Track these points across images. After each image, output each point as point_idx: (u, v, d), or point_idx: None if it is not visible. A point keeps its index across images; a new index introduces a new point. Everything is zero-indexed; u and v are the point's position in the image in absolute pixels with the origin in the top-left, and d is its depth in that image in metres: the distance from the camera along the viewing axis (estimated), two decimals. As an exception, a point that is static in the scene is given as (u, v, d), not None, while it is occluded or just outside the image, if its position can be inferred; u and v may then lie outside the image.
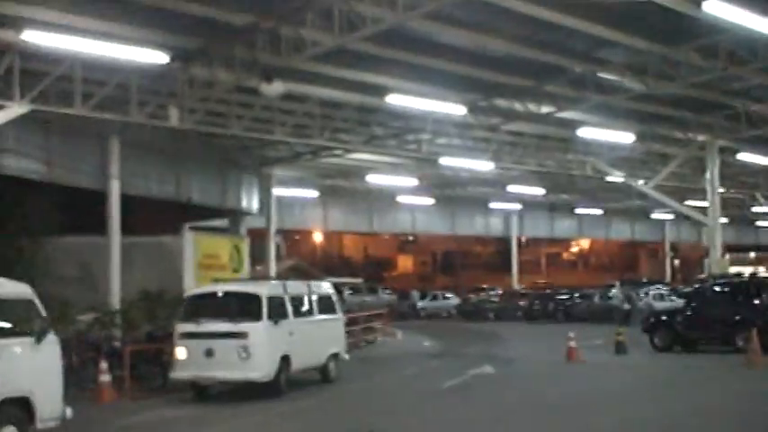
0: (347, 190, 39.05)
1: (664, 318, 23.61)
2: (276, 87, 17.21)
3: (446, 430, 11.78)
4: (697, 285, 27.19)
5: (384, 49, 16.86)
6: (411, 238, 76.58)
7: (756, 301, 21.53)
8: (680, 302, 28.07)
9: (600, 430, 11.36)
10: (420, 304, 48.72)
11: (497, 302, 45.99)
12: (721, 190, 36.06)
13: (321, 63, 17.36)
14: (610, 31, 16.21)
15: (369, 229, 48.07)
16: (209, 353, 14.42)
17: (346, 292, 39.43)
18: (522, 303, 43.31)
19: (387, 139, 26.07)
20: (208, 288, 17.04)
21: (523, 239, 67.22)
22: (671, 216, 50.29)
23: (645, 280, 50.88)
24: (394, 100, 19.05)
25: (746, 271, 67.31)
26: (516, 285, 52.27)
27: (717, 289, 23.54)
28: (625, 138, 24.33)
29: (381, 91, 19.18)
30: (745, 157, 29.06)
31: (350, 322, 26.06)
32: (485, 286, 56.07)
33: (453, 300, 49.45)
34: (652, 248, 71.50)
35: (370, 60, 17.64)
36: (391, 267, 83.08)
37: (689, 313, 22.74)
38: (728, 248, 78.97)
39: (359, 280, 42.32)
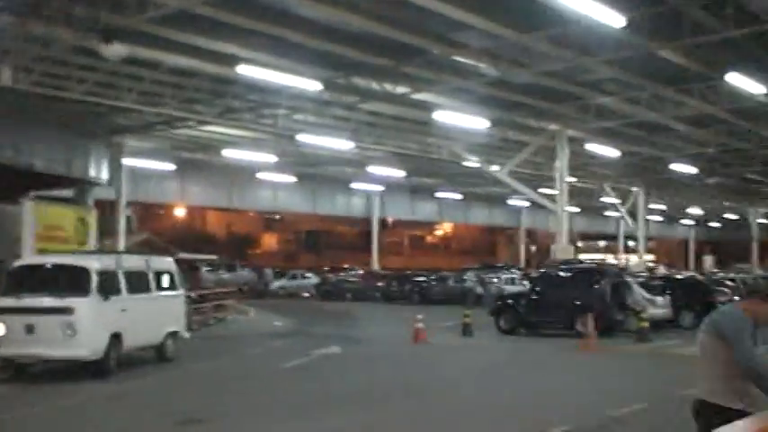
0: (206, 164, 37.88)
1: (509, 301, 24.22)
2: (116, 49, 16.17)
3: (267, 414, 11.31)
4: (541, 271, 28.06)
5: (235, 17, 16.17)
6: (278, 216, 75.80)
7: (595, 287, 22.38)
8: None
9: (425, 414, 11.25)
10: (278, 283, 48.16)
11: (356, 283, 46.07)
12: (572, 179, 37.46)
13: (167, 26, 16.43)
14: (467, 14, 16.11)
15: (228, 205, 46.99)
16: (30, 329, 13.50)
17: (204, 269, 38.39)
18: (380, 284, 43.58)
19: (242, 113, 25.32)
20: (33, 260, 16.04)
21: (390, 221, 67.83)
22: (527, 203, 51.79)
23: (500, 264, 52.36)
24: (245, 71, 18.39)
25: (597, 258, 70.96)
26: (376, 266, 52.54)
27: (559, 275, 24.33)
28: (480, 123, 24.55)
29: (233, 61, 18.47)
30: (593, 147, 30.11)
31: (200, 299, 25.34)
32: (346, 266, 56.17)
33: (313, 279, 49.18)
34: (510, 234, 73.74)
35: (221, 28, 16.86)
36: (255, 245, 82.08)
37: (533, 297, 23.42)
38: (581, 236, 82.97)
39: (214, 257, 41.23)
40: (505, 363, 17.47)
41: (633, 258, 46.56)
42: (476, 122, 24.44)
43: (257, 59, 18.44)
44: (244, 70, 18.36)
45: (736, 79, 19.08)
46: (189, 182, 40.75)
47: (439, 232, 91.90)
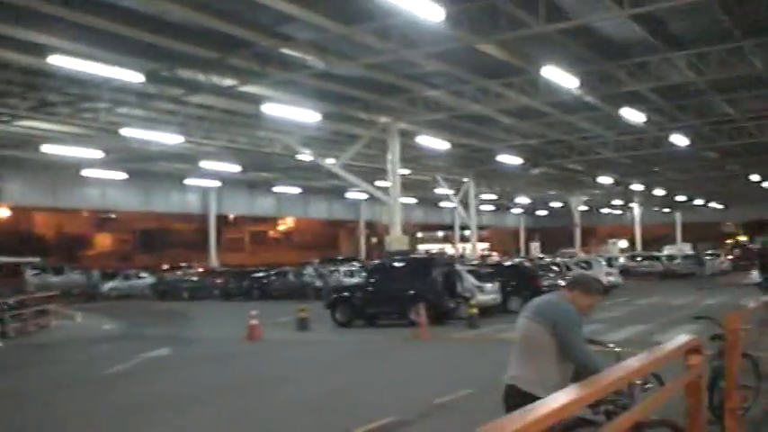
0: (26, 161, 35.66)
1: (345, 294, 24.30)
2: None
3: (77, 428, 10.67)
4: (376, 262, 28.38)
5: (45, 5, 15.25)
6: (113, 215, 72.75)
7: (427, 277, 22.85)
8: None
9: (247, 413, 11.00)
10: (110, 284, 46.12)
11: (194, 281, 44.90)
12: (406, 171, 38.19)
13: (-32, 14, 15.30)
14: (291, 6, 15.95)
15: (53, 204, 44.58)
16: None
17: (29, 272, 36.12)
18: (219, 282, 42.68)
19: (60, 107, 23.97)
20: None
21: (231, 217, 66.64)
22: (365, 196, 52.41)
23: (341, 257, 52.65)
24: (58, 61, 17.33)
25: (436, 248, 72.94)
26: (215, 263, 51.48)
27: (393, 265, 24.67)
28: (311, 116, 24.45)
29: (45, 51, 17.41)
30: (423, 140, 30.75)
31: (19, 305, 23.80)
32: (182, 264, 54.71)
33: (149, 279, 47.49)
34: (352, 227, 74.47)
35: (30, 16, 15.90)
36: (88, 246, 78.44)
37: (368, 289, 23.62)
38: (420, 227, 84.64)
39: (36, 259, 38.92)
40: (338, 355, 17.48)
41: (469, 247, 48.26)
42: (307, 115, 24.33)
43: (72, 50, 17.46)
44: (56, 61, 17.31)
45: (552, 73, 19.96)
46: (7, 180, 38.29)
47: (282, 227, 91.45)
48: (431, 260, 24.51)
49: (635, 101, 26.02)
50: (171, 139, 27.49)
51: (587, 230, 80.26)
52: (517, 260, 37.05)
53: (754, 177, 52.24)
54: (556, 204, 71.00)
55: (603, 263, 36.29)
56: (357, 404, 11.14)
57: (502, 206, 73.89)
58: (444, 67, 21.68)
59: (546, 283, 25.87)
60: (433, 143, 31.46)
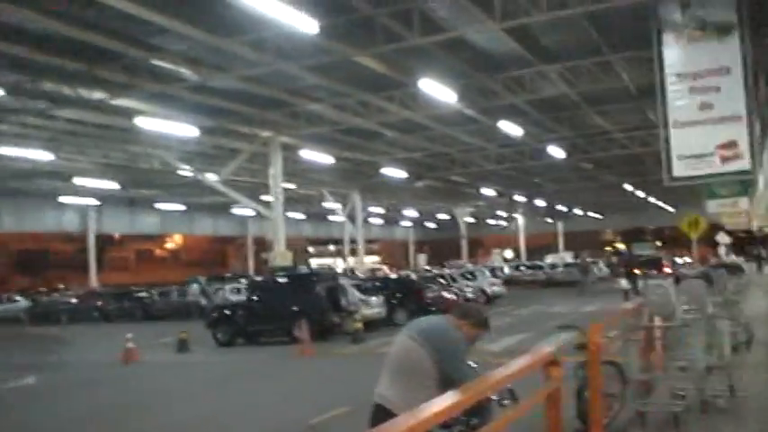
0: None
1: (226, 312, 23.68)
2: None
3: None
4: (258, 279, 27.86)
5: None
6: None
7: (311, 292, 22.55)
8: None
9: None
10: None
11: (72, 304, 42.97)
12: (290, 186, 37.81)
13: None
14: (161, 17, 15.42)
15: None
16: None
17: None
18: (99, 303, 41.01)
19: None
20: None
21: (116, 236, 64.20)
22: (252, 212, 51.62)
23: (228, 275, 51.63)
24: None
25: (327, 263, 72.59)
26: (95, 284, 49.51)
27: (276, 281, 24.24)
28: (189, 131, 23.76)
29: None
30: (306, 153, 30.47)
31: None
32: (61, 286, 52.40)
33: (23, 302, 45.19)
34: (241, 244, 73.23)
35: None
36: (-42, 271, 74.07)
37: (251, 306, 23.11)
38: (311, 242, 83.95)
39: None
40: (215, 377, 16.93)
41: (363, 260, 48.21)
42: (184, 130, 23.61)
43: None
44: None
45: (430, 86, 20.08)
46: None
47: (169, 245, 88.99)
48: (314, 275, 24.23)
49: (513, 114, 26.56)
50: (40, 155, 26.19)
51: (475, 241, 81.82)
52: (403, 273, 37.16)
53: (628, 187, 54.38)
54: (443, 216, 72.00)
55: (488, 273, 36.92)
56: (226, 430, 10.72)
57: (391, 219, 74.38)
58: (324, 81, 21.50)
59: (431, 295, 26.00)
60: (317, 157, 31.23)
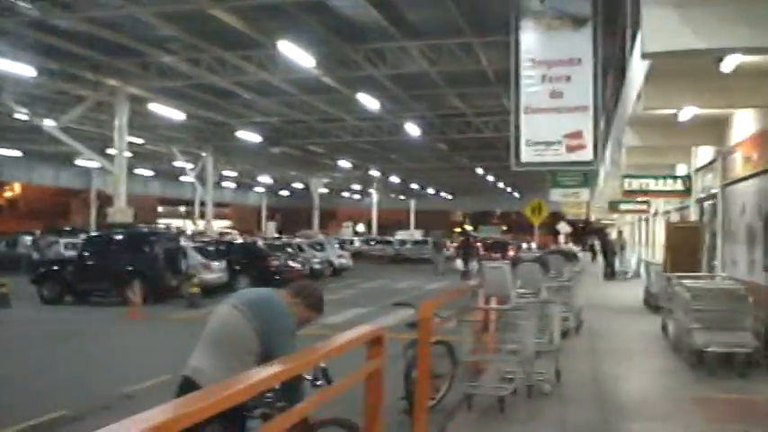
0: None
1: (54, 268, 22.24)
2: None
3: None
4: (93, 234, 26.42)
5: None
6: None
7: (147, 253, 21.55)
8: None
9: None
10: None
11: None
12: (138, 140, 36.15)
13: None
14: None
15: None
16: None
17: None
18: None
19: None
20: None
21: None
22: (97, 164, 49.01)
23: (68, 228, 48.95)
24: None
25: (177, 224, 70.35)
26: None
27: (111, 239, 23.00)
28: (25, 70, 21.93)
29: None
30: (156, 107, 29.08)
31: None
32: None
33: None
34: (85, 197, 69.75)
35: None
36: None
37: (82, 263, 21.80)
38: (161, 201, 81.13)
39: None
40: (33, 337, 15.73)
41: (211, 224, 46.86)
42: (19, 68, 21.73)
43: None
44: None
45: (288, 49, 19.44)
46: None
47: (8, 194, 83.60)
48: (151, 234, 23.11)
49: (372, 87, 26.34)
50: None
51: (328, 213, 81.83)
52: (249, 239, 36.38)
53: (479, 171, 55.76)
54: (298, 185, 71.34)
55: (336, 245, 36.77)
56: (31, 395, 9.87)
57: (244, 184, 72.99)
58: (179, 32, 20.46)
59: (276, 263, 25.51)
60: (168, 112, 29.84)
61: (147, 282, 20.19)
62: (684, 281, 11.76)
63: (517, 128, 14.67)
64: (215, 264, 23.42)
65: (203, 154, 42.70)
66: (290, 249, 31.59)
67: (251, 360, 4.32)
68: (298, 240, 35.50)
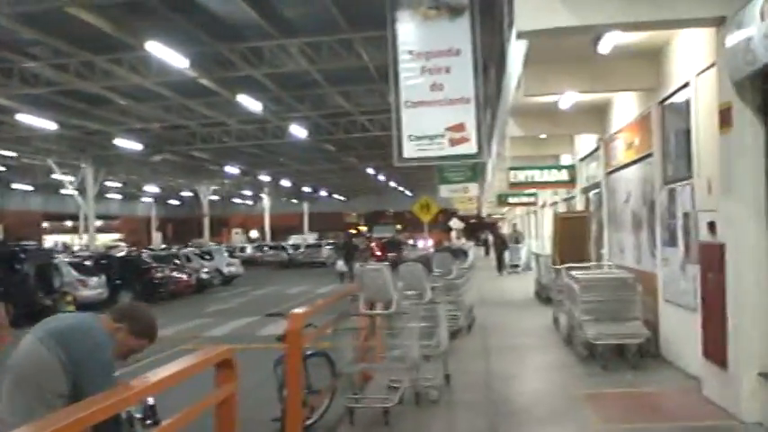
0: None
1: None
2: None
3: None
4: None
5: None
6: None
7: (16, 271, 20.10)
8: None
9: None
10: None
11: None
12: (13, 154, 34.09)
13: None
14: None
15: None
16: None
17: None
18: None
19: None
20: None
21: None
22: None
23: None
24: None
25: (66, 239, 67.07)
26: None
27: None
28: None
29: None
30: (24, 118, 27.32)
31: None
32: None
33: None
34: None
35: None
36: None
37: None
38: (45, 217, 77.43)
39: None
40: None
41: (99, 237, 44.64)
42: None
43: None
44: None
45: (158, 50, 18.39)
46: None
47: None
48: (21, 251, 21.55)
49: (253, 88, 25.47)
50: None
51: (221, 220, 79.87)
52: (135, 251, 34.74)
53: (370, 170, 55.46)
54: (188, 194, 69.29)
55: (225, 253, 35.59)
56: None
57: (131, 195, 70.39)
58: (40, 35, 19.07)
59: (159, 275, 24.29)
60: (37, 122, 28.03)
61: (16, 302, 18.72)
62: (573, 272, 11.53)
63: (398, 123, 14.18)
64: (93, 279, 22.03)
65: (82, 165, 40.54)
66: (177, 260, 30.34)
67: (59, 403, 3.56)
68: (186, 250, 34.15)
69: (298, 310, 6.15)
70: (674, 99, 9.37)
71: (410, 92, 14.22)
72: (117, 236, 78.26)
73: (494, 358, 10.83)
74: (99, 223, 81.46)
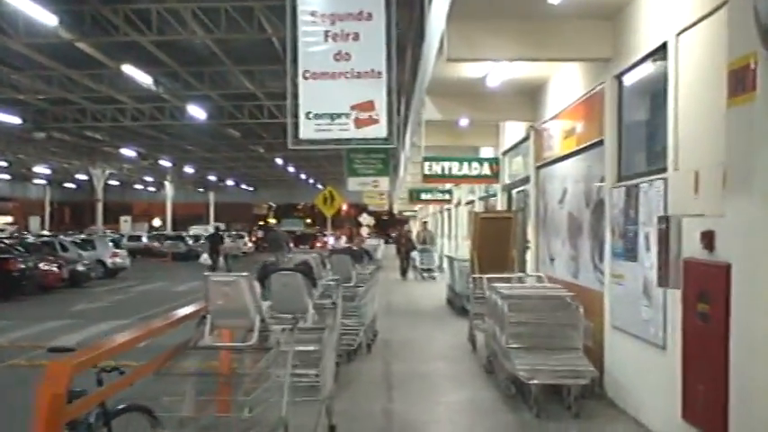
0: None
1: None
2: None
3: None
4: None
5: None
6: None
7: None
8: None
9: None
10: None
11: None
12: None
13: None
14: None
15: None
16: None
17: None
18: None
19: None
20: None
21: None
22: None
23: None
24: None
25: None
26: None
27: None
28: None
29: None
30: None
31: None
32: None
33: None
34: None
35: None
36: None
37: None
38: None
39: None
40: None
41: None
42: None
43: None
44: None
45: (20, 2, 15.45)
46: None
47: None
48: None
49: (142, 58, 22.54)
50: None
51: (122, 206, 75.47)
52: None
53: (279, 161, 52.71)
54: (84, 177, 64.81)
55: (110, 243, 32.25)
56: None
57: (21, 176, 65.41)
58: None
59: (21, 266, 21.13)
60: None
61: None
62: (496, 283, 9.40)
63: (295, 97, 11.82)
64: None
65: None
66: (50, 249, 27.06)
67: None
68: (63, 239, 30.73)
69: (68, 358, 3.71)
70: (639, 70, 7.28)
71: (310, 60, 11.82)
72: (9, 219, 73.05)
73: (396, 394, 8.52)
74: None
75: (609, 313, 7.89)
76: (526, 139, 12.53)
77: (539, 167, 11.77)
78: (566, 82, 9.88)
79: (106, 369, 4.56)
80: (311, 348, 6.67)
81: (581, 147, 9.22)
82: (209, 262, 29.61)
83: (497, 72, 9.79)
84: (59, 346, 4.84)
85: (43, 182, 70.72)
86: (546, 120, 11.04)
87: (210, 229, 54.53)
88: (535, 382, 7.19)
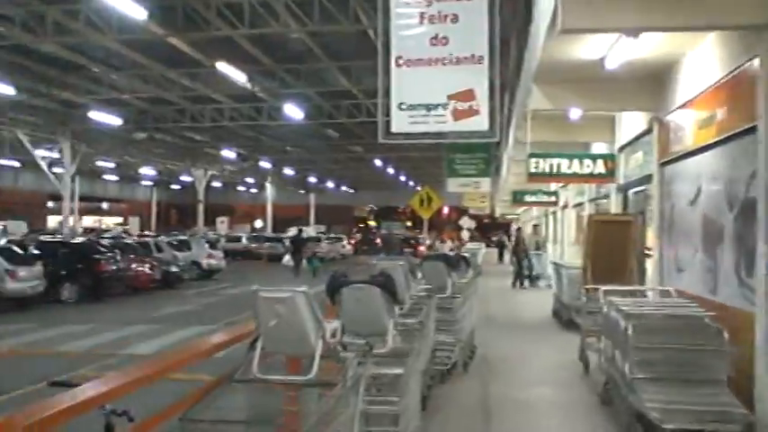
0: None
1: None
2: None
3: None
4: None
5: None
6: None
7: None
8: None
9: None
10: None
11: None
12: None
13: None
14: None
15: None
16: None
17: None
18: None
19: None
20: None
21: None
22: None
23: None
24: None
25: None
26: None
27: None
28: None
29: None
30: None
31: None
32: None
33: None
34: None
35: None
36: None
37: None
38: (50, 197, 74.40)
39: None
40: None
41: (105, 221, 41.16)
42: None
43: None
44: None
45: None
46: None
47: None
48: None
49: (235, 56, 21.92)
50: None
51: (225, 208, 76.36)
52: (82, 237, 30.78)
53: (378, 162, 51.87)
54: (188, 179, 65.75)
55: (206, 244, 31.95)
56: None
57: (129, 177, 66.94)
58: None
59: (112, 267, 20.79)
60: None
61: None
62: (615, 298, 7.99)
63: (387, 86, 10.67)
64: (23, 270, 18.43)
65: (61, 140, 36.81)
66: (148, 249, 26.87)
67: None
68: (158, 239, 30.57)
69: (22, 416, 2.64)
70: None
71: (404, 46, 10.62)
72: (119, 219, 74.99)
73: (495, 427, 7.24)
74: (105, 206, 78.60)
75: (764, 339, 6.39)
76: (648, 132, 10.99)
77: (663, 164, 10.23)
78: (703, 61, 8.37)
79: (116, 412, 3.52)
80: (392, 373, 5.54)
81: (722, 137, 7.69)
82: (291, 263, 29.02)
83: (618, 51, 8.36)
84: (61, 380, 3.79)
85: (149, 183, 72.29)
86: (675, 108, 9.50)
87: (312, 232, 54.34)
88: (671, 427, 5.76)
